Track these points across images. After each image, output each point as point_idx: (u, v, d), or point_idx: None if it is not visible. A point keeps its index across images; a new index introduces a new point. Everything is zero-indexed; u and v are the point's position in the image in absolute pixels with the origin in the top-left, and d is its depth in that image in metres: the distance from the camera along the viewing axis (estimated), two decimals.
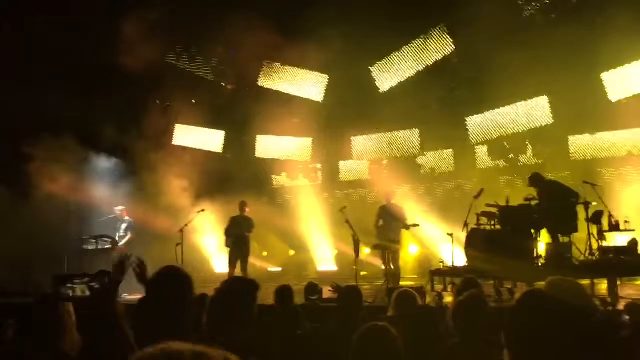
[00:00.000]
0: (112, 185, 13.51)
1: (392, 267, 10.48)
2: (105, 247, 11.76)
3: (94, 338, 3.08)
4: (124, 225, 12.29)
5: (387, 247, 10.44)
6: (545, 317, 1.96)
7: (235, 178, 14.35)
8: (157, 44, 13.49)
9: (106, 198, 13.09)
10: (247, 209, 11.41)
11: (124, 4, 12.66)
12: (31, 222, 11.33)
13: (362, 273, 12.50)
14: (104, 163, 13.57)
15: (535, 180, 9.80)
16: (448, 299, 7.98)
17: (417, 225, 10.85)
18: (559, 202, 9.37)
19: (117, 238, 12.10)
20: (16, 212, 11.34)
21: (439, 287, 9.75)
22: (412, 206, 12.32)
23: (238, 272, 11.00)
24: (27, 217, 11.34)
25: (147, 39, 12.84)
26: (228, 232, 11.28)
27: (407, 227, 10.62)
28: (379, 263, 12.30)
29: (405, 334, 3.95)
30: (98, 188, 13.31)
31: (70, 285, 7.56)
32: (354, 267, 10.28)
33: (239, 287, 3.20)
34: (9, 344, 3.32)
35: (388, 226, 10.61)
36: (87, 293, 7.50)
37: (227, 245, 11.33)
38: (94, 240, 11.77)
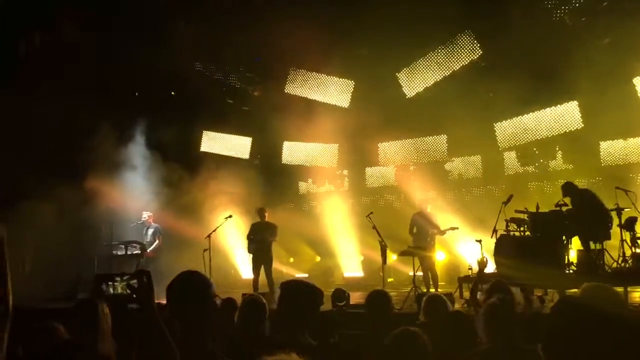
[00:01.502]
0: (141, 191, 13.67)
1: (429, 273, 10.51)
2: (135, 252, 11.91)
3: (136, 338, 3.12)
4: (150, 231, 12.45)
5: (415, 253, 10.40)
6: (582, 324, 1.92)
7: (262, 184, 14.43)
8: (186, 50, 13.71)
9: (136, 203, 13.26)
10: (266, 214, 11.47)
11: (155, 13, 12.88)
12: (62, 227, 11.52)
13: (389, 279, 12.45)
14: (133, 168, 13.73)
15: (568, 189, 9.63)
16: None
17: (457, 228, 10.79)
18: (592, 210, 9.20)
19: (145, 243, 12.25)
20: (48, 218, 11.53)
21: (467, 294, 9.65)
22: (439, 212, 12.24)
23: (263, 277, 11.07)
24: (58, 222, 11.52)
25: (179, 46, 13.04)
26: (250, 238, 11.35)
27: (442, 233, 10.61)
28: (406, 269, 12.25)
29: (436, 340, 3.90)
30: (128, 193, 13.48)
31: (111, 283, 7.71)
32: (381, 273, 10.27)
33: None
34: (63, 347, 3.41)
35: (422, 233, 10.62)
36: (128, 291, 7.58)
37: (250, 251, 11.41)
38: (123, 246, 11.93)
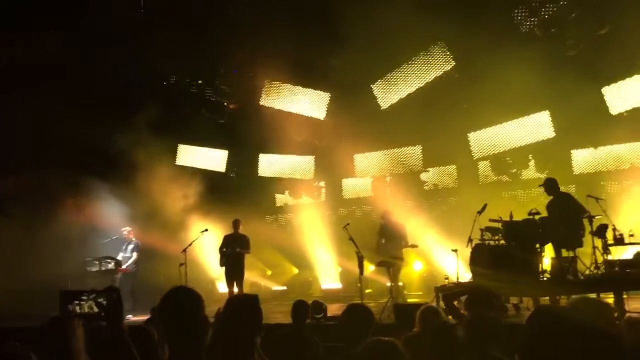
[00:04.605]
0: (115, 206, 13.51)
1: (395, 282, 10.52)
2: (109, 268, 11.75)
3: (102, 356, 3.07)
4: (130, 246, 12.29)
5: (392, 263, 10.42)
6: (558, 335, 1.93)
7: (239, 197, 14.37)
8: (161, 64, 13.67)
9: (109, 219, 13.09)
10: (240, 227, 11.42)
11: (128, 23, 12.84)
12: (34, 244, 11.33)
13: (367, 290, 12.43)
14: (106, 183, 13.55)
15: (551, 186, 9.78)
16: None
17: (416, 246, 10.87)
18: (570, 216, 9.34)
19: (122, 259, 12.09)
20: (19, 235, 11.34)
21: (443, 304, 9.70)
22: (416, 222, 12.33)
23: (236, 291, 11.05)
24: (30, 239, 11.34)
25: (152, 59, 12.99)
26: (222, 251, 11.28)
27: (406, 245, 10.68)
28: (383, 280, 12.26)
29: (431, 350, 3.91)
30: (101, 209, 13.31)
31: (77, 301, 7.47)
32: (359, 284, 10.26)
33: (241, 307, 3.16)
34: None
35: (390, 243, 10.63)
36: (95, 309, 7.40)
37: (222, 265, 11.35)
38: (97, 262, 11.76)
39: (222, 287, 13.79)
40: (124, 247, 12.33)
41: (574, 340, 1.91)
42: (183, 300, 2.79)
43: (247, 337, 2.99)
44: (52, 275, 11.36)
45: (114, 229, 12.74)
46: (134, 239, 12.43)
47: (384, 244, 10.79)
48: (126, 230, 12.47)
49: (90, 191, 13.19)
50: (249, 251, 11.34)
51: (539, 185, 10.10)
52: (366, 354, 2.75)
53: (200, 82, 15.15)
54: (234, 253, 11.08)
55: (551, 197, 9.75)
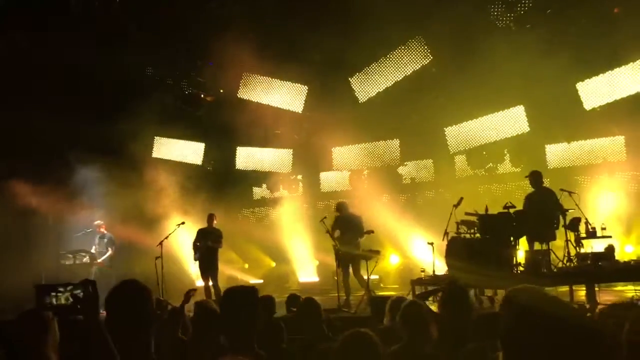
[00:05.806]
0: (91, 199, 13.34)
1: (357, 275, 10.48)
2: (83, 261, 11.63)
3: (77, 348, 3.05)
4: (104, 240, 12.15)
5: (369, 256, 10.42)
6: (531, 322, 1.97)
7: (216, 190, 14.30)
8: (136, 55, 13.47)
9: (85, 212, 12.93)
10: (215, 221, 11.37)
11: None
12: (7, 237, 11.14)
13: None
14: (82, 176, 13.36)
15: (536, 179, 9.91)
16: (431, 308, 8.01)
17: (372, 232, 10.73)
18: (546, 211, 9.49)
19: (95, 253, 11.95)
20: None
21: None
22: (393, 215, 12.41)
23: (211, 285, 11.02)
24: (3, 232, 11.14)
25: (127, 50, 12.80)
26: (195, 245, 11.23)
27: (362, 235, 10.54)
28: (361, 272, 12.33)
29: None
30: (76, 201, 13.13)
31: (54, 293, 7.38)
32: (335, 277, 10.29)
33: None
34: None
35: (345, 235, 10.47)
36: (71, 301, 7.32)
37: (195, 259, 11.31)
38: (71, 255, 11.63)
39: (199, 280, 13.73)
40: (96, 240, 12.19)
41: (552, 325, 1.95)
42: (129, 293, 2.79)
43: (247, 329, 3.05)
44: (25, 268, 11.23)
45: (88, 222, 12.58)
46: (106, 232, 12.28)
47: (339, 236, 10.50)
48: (97, 223, 12.32)
49: (66, 182, 12.98)
50: (221, 245, 11.29)
51: (525, 177, 10.25)
52: (344, 345, 2.81)
53: (177, 73, 14.96)
54: (206, 247, 11.05)
55: (533, 190, 9.90)
